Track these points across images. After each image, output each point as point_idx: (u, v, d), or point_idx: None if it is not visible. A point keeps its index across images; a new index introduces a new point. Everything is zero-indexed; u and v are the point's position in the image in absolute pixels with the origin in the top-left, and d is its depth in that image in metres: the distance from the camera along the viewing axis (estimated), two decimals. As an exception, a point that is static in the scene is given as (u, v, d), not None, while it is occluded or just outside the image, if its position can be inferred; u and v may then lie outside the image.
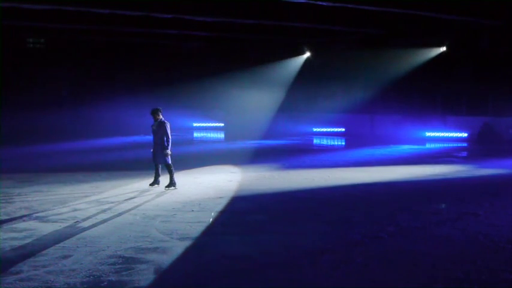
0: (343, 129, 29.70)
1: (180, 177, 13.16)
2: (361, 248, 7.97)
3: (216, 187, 13.12)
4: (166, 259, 7.41)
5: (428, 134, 26.07)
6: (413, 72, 26.47)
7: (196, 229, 9.00)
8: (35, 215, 10.05)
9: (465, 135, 25.55)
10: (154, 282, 6.61)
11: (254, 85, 29.27)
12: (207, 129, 33.71)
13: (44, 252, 7.71)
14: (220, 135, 31.22)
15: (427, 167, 16.72)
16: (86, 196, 11.91)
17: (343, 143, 26.61)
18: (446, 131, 25.98)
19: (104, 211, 10.39)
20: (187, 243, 8.16)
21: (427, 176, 14.92)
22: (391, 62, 26.68)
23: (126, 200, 11.54)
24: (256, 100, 29.26)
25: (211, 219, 9.71)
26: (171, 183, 12.74)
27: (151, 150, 12.99)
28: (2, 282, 6.51)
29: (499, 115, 24.90)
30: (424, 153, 21.08)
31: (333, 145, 26.07)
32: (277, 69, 31.02)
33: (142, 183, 13.43)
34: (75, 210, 10.48)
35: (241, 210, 10.67)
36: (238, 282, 6.70)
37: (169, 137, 12.66)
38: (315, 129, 30.72)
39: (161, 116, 12.82)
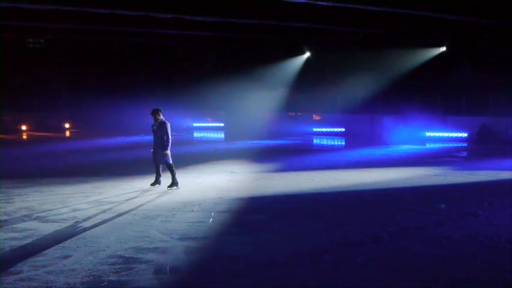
0: (343, 129, 29.72)
1: (180, 177, 13.15)
2: (361, 248, 7.96)
3: (216, 187, 13.12)
4: (166, 259, 7.41)
5: (428, 134, 26.07)
6: (413, 72, 26.48)
7: (196, 229, 9.00)
8: (35, 215, 10.05)
9: (465, 135, 25.57)
10: (154, 282, 6.61)
11: (254, 85, 29.29)
12: (207, 129, 33.72)
13: (44, 252, 7.70)
14: (220, 135, 31.23)
15: (427, 167, 16.71)
16: (86, 196, 11.91)
17: (343, 143, 26.61)
18: (446, 131, 26.00)
19: (104, 211, 10.39)
20: (187, 243, 8.16)
21: (427, 176, 14.91)
22: (391, 62, 26.70)
23: (126, 200, 11.54)
24: (256, 100, 29.28)
25: (211, 219, 9.71)
26: (173, 183, 12.74)
27: (152, 150, 13.00)
28: (2, 282, 6.51)
29: (499, 115, 24.92)
30: (424, 153, 21.07)
31: (333, 145, 26.07)
32: (277, 69, 31.04)
33: (143, 183, 13.43)
34: (75, 210, 10.47)
35: (241, 210, 10.66)
36: (238, 282, 6.69)
37: (170, 137, 12.65)
38: (315, 129, 30.73)
39: (162, 116, 12.82)
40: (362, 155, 20.40)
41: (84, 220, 9.64)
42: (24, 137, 30.47)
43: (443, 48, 26.34)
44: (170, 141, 12.67)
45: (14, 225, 9.27)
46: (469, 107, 26.45)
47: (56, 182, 13.75)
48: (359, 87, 27.91)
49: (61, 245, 8.06)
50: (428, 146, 24.29)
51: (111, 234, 8.64)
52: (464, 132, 25.57)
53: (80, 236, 8.58)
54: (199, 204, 11.04)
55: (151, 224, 9.35)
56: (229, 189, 12.77)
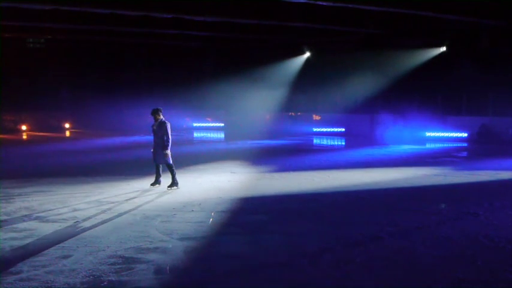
0: (343, 129, 29.72)
1: (180, 177, 13.15)
2: (361, 248, 7.97)
3: (216, 187, 13.12)
4: (166, 259, 7.41)
5: (428, 134, 26.08)
6: (413, 72, 26.50)
7: (196, 229, 9.00)
8: (35, 215, 10.05)
9: (465, 135, 25.58)
10: (154, 282, 6.61)
11: (254, 85, 29.30)
12: (207, 129, 33.73)
13: (44, 252, 7.70)
14: (220, 135, 31.23)
15: (427, 167, 16.71)
16: (86, 196, 11.91)
17: (343, 143, 26.61)
18: (446, 131, 26.00)
19: (104, 211, 10.39)
20: (187, 243, 8.16)
21: (427, 176, 14.90)
22: (391, 62, 26.72)
23: (126, 200, 11.53)
24: (256, 100, 29.30)
25: (211, 219, 9.71)
26: (173, 183, 12.74)
27: (152, 150, 13.01)
28: (2, 282, 6.51)
29: (499, 115, 24.93)
30: (424, 153, 21.07)
31: (333, 145, 26.07)
32: (277, 69, 31.06)
33: (143, 183, 13.42)
34: (75, 210, 10.47)
35: (241, 210, 10.66)
36: (238, 282, 6.70)
37: (170, 137, 12.65)
38: (315, 129, 30.74)
39: (162, 116, 12.82)
40: (362, 155, 20.39)
41: (84, 220, 9.64)
42: (24, 137, 30.47)
43: (443, 48, 26.35)
44: (170, 141, 12.67)
45: (14, 225, 9.27)
46: (469, 107, 26.47)
47: (56, 182, 13.74)
48: (359, 87, 27.90)
49: (61, 245, 8.06)
50: (428, 146, 24.29)
51: (111, 234, 8.63)
52: (464, 132, 25.58)
53: (80, 236, 8.57)
54: (200, 204, 11.04)
55: (151, 224, 9.35)
56: (229, 189, 12.77)
